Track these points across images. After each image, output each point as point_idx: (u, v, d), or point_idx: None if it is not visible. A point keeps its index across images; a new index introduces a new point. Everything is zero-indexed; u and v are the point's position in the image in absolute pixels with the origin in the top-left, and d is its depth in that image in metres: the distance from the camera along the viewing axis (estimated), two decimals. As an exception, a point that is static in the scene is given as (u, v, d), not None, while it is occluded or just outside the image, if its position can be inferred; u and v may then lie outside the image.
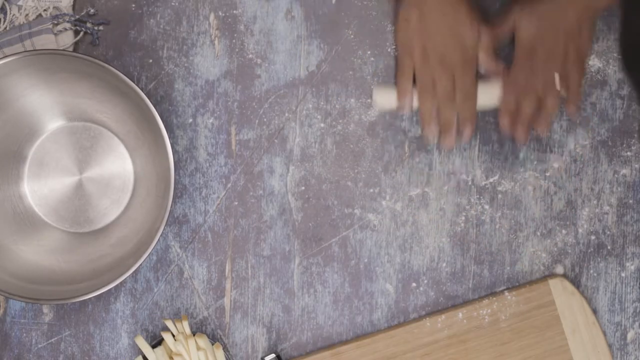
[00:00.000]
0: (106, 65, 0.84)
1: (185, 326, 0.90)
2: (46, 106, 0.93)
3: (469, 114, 0.89)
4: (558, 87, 0.88)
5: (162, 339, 0.91)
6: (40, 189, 0.95)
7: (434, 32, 0.88)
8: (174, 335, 0.90)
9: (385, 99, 0.91)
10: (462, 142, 0.92)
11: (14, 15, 0.94)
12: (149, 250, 0.85)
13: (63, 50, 0.89)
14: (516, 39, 0.89)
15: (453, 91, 0.88)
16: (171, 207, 0.85)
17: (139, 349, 0.92)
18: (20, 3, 0.94)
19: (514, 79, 0.89)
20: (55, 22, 0.93)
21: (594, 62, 0.94)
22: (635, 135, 0.94)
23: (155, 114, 0.85)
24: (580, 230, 0.95)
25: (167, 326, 0.91)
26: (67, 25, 0.93)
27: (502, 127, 0.90)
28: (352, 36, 0.95)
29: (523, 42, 0.88)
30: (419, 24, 0.88)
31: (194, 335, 0.90)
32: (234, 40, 0.95)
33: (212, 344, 0.91)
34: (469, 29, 0.88)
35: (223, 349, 0.92)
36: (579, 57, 0.89)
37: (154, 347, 0.90)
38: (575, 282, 0.94)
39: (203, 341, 0.89)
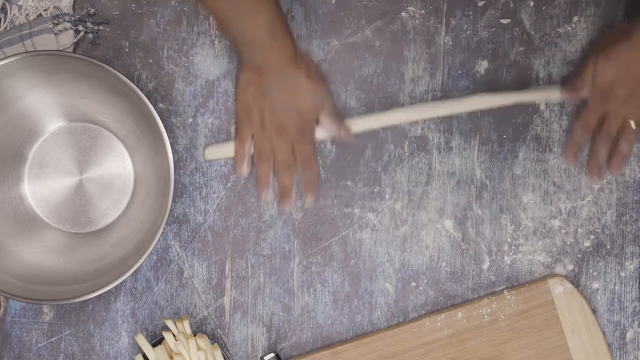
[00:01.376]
0: (106, 65, 0.84)
1: (187, 326, 0.90)
2: (46, 107, 0.93)
3: (310, 181, 0.91)
4: (634, 126, 0.87)
5: (162, 338, 0.91)
6: (41, 190, 0.95)
7: (273, 101, 0.88)
8: (174, 335, 0.90)
9: (217, 155, 0.93)
10: (306, 207, 0.94)
11: (14, 15, 0.94)
12: (150, 250, 0.85)
13: (63, 51, 0.89)
14: (593, 82, 0.87)
15: (291, 158, 0.89)
16: (171, 206, 0.85)
17: (140, 348, 0.93)
18: (20, 3, 0.94)
19: (587, 120, 0.88)
20: (56, 22, 0.93)
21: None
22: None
23: (155, 114, 0.85)
24: (580, 230, 0.95)
25: (167, 326, 0.91)
26: (68, 25, 0.94)
27: (567, 161, 0.91)
28: (352, 36, 0.95)
29: (599, 85, 0.87)
30: (258, 90, 0.88)
31: (194, 335, 0.90)
32: (234, 40, 0.95)
33: (212, 344, 0.91)
34: (308, 99, 0.88)
35: (223, 348, 0.93)
36: None
37: (154, 346, 0.91)
38: (575, 282, 0.94)
39: (204, 342, 0.89)
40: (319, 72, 0.91)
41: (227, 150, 0.93)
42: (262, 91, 0.88)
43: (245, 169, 0.91)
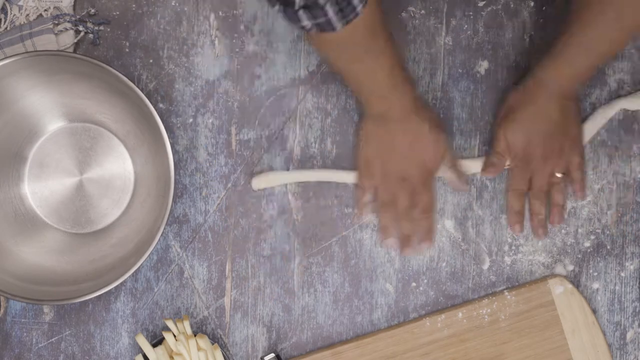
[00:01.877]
0: (106, 65, 0.84)
1: (187, 326, 0.90)
2: (46, 107, 0.93)
3: (427, 229, 0.90)
4: (559, 175, 0.90)
5: (162, 339, 0.91)
6: (41, 190, 0.95)
7: (397, 153, 0.88)
8: (174, 335, 0.90)
9: (262, 184, 0.93)
10: (420, 253, 0.94)
11: (14, 15, 0.94)
12: (150, 250, 0.85)
13: (62, 51, 0.89)
14: (509, 151, 0.90)
15: (412, 206, 0.89)
16: (171, 206, 0.85)
17: (140, 348, 0.93)
18: (21, 3, 0.94)
19: (516, 187, 0.91)
20: (56, 22, 0.93)
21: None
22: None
23: (155, 114, 0.85)
24: (580, 230, 0.95)
25: (167, 326, 0.91)
26: (68, 25, 0.94)
27: (513, 231, 0.92)
28: (352, 36, 0.95)
29: (517, 152, 0.89)
30: (381, 143, 0.88)
31: (194, 335, 0.90)
32: (234, 41, 0.95)
33: (212, 344, 0.91)
34: (431, 149, 0.88)
35: (223, 348, 0.93)
36: (574, 144, 0.90)
37: (154, 346, 0.91)
38: (575, 282, 0.94)
39: (204, 342, 0.89)
40: (440, 120, 0.91)
41: (274, 179, 0.93)
42: (385, 144, 0.88)
43: (366, 218, 0.93)
